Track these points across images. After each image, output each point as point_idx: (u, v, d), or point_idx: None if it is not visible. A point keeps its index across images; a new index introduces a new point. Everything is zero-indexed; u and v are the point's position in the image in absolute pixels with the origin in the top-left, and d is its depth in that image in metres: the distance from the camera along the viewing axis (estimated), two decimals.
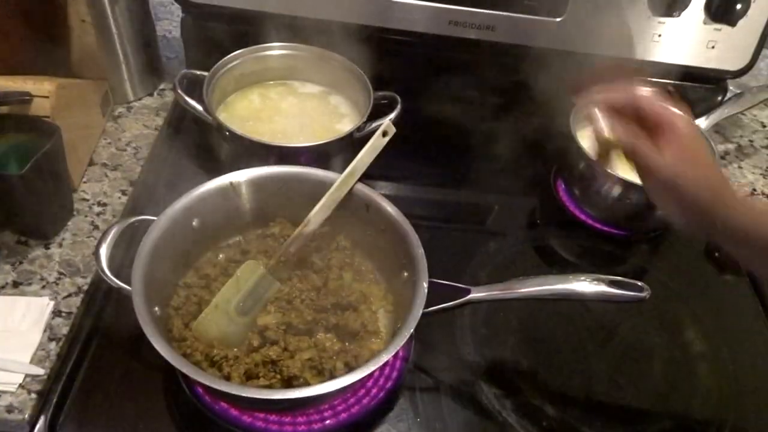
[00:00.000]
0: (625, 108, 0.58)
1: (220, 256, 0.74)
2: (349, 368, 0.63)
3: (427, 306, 0.62)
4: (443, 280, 0.67)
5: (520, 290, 0.67)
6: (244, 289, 0.67)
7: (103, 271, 0.63)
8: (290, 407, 0.63)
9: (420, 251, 0.66)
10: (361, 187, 0.72)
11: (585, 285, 0.67)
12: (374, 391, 0.68)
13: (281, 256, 0.70)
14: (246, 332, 0.65)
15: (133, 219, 0.68)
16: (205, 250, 0.74)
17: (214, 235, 0.74)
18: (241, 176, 0.73)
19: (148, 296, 0.61)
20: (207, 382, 0.56)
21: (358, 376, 0.57)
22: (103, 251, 0.64)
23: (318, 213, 0.70)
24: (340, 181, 0.70)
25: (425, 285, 0.63)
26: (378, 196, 0.72)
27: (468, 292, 0.67)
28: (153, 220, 0.67)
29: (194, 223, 0.71)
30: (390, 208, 0.71)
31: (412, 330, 0.59)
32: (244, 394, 0.56)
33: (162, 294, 0.66)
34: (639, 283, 0.67)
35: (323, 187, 0.71)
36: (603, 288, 0.67)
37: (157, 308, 0.63)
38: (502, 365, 0.73)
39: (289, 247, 0.70)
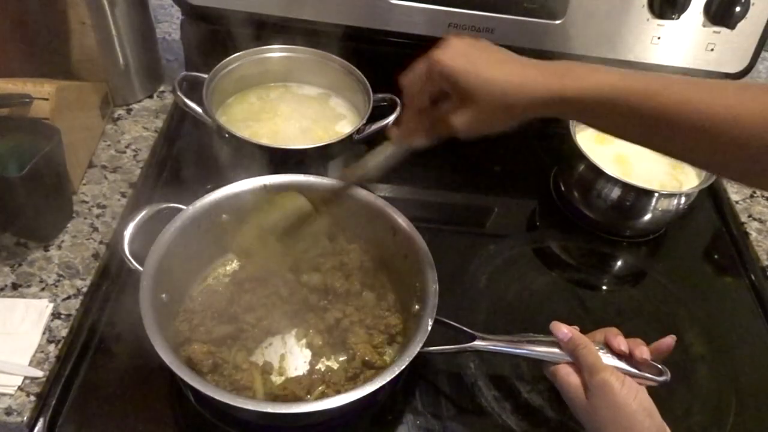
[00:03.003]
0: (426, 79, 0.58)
1: (232, 264, 0.75)
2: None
3: (428, 344, 0.61)
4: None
5: (526, 348, 0.64)
6: (286, 215, 0.66)
7: (123, 251, 0.64)
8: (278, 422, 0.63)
9: (434, 287, 0.65)
10: (392, 212, 0.72)
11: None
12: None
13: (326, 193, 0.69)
14: (283, 258, 0.65)
15: (163, 205, 0.69)
16: (224, 252, 0.75)
17: (234, 238, 0.74)
18: (276, 180, 0.73)
19: (158, 280, 0.62)
20: (196, 385, 0.56)
21: (337, 403, 0.56)
22: (128, 232, 0.66)
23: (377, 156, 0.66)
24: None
25: (430, 322, 0.62)
26: (406, 222, 0.71)
27: (473, 338, 0.65)
28: (182, 208, 0.68)
29: (224, 217, 0.71)
30: (417, 237, 0.70)
31: (404, 366, 0.59)
32: (232, 403, 0.56)
33: (172, 283, 0.67)
34: (659, 366, 0.62)
35: (367, 207, 0.72)
36: (617, 363, 0.61)
37: (164, 295, 0.64)
38: (501, 367, 0.73)
39: (335, 186, 0.69)
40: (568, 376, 0.61)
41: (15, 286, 0.72)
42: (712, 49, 0.95)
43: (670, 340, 0.62)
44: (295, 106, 0.93)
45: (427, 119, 0.61)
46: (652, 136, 0.55)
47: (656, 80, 0.54)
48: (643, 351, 0.61)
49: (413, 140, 0.63)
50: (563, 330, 0.62)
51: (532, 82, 0.55)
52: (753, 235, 0.93)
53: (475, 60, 0.56)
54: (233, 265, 0.75)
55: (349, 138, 0.83)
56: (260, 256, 0.66)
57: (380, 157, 0.65)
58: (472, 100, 0.56)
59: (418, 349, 0.60)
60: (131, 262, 0.64)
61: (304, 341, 0.70)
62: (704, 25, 0.92)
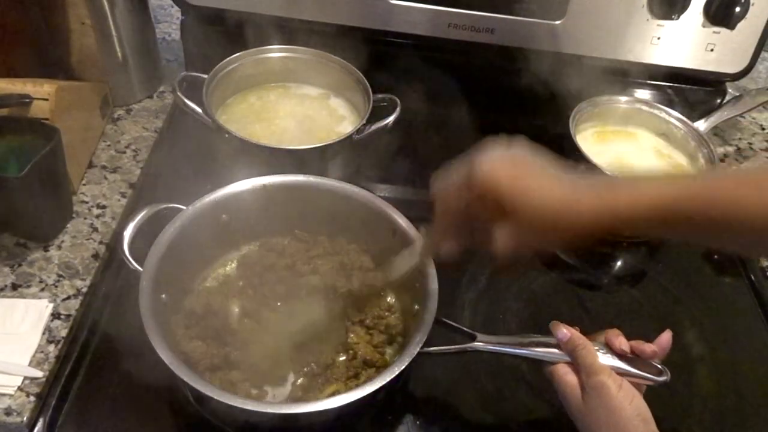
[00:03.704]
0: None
1: (231, 265, 0.75)
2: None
3: (428, 344, 0.61)
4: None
5: (526, 348, 0.64)
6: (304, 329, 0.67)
7: (123, 251, 0.64)
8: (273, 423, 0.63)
9: (434, 287, 0.65)
10: (392, 212, 0.72)
11: (600, 358, 0.61)
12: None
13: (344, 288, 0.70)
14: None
15: (163, 205, 0.69)
16: (223, 253, 0.75)
17: (234, 238, 0.75)
18: (276, 180, 0.73)
19: (158, 280, 0.62)
20: (193, 384, 0.56)
21: (337, 403, 0.56)
22: (128, 232, 0.66)
23: (405, 260, 0.68)
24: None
25: (430, 323, 0.62)
26: (406, 223, 0.71)
27: (473, 338, 0.65)
28: (182, 208, 0.68)
29: (224, 217, 0.72)
30: (417, 237, 0.69)
31: (404, 366, 0.58)
32: (231, 403, 0.55)
33: (172, 284, 0.67)
34: (659, 366, 0.61)
35: (367, 207, 0.72)
36: (617, 363, 0.60)
37: (164, 295, 0.64)
38: (501, 367, 0.73)
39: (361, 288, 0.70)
40: (566, 375, 0.60)
41: (15, 287, 0.72)
42: (711, 50, 0.95)
43: (667, 335, 0.62)
44: (294, 107, 0.93)
45: (461, 231, 0.57)
46: (707, 239, 0.55)
47: (704, 185, 0.52)
48: (648, 346, 0.60)
49: (444, 251, 0.59)
50: (562, 330, 0.62)
51: (587, 201, 0.52)
52: None
53: (521, 171, 0.52)
54: (233, 266, 0.75)
55: (349, 138, 0.83)
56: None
57: (406, 267, 0.66)
58: (516, 216, 0.52)
59: (418, 349, 0.60)
60: (131, 263, 0.64)
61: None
62: (704, 26, 0.92)
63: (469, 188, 0.54)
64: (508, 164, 0.53)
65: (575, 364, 0.61)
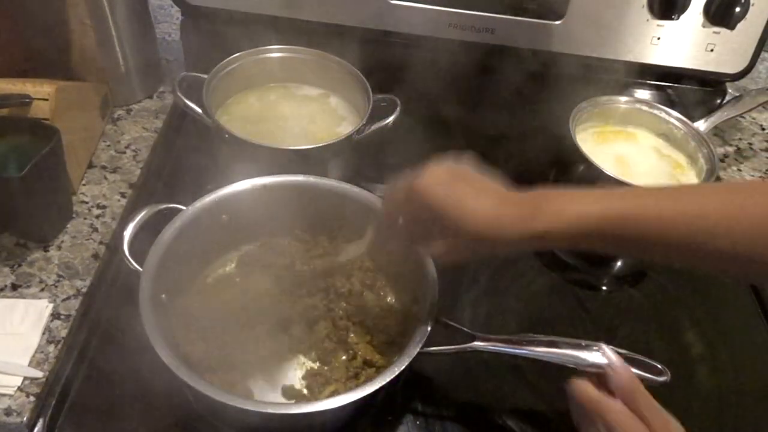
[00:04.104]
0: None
1: (231, 265, 0.75)
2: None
3: (428, 344, 0.61)
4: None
5: (526, 348, 0.63)
6: None
7: (123, 251, 0.65)
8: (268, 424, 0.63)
9: (434, 287, 0.65)
10: None
11: (598, 356, 0.61)
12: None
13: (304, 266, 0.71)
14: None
15: (163, 205, 0.69)
16: (223, 253, 0.75)
17: (234, 238, 0.75)
18: (276, 181, 0.73)
19: (158, 281, 0.62)
20: (193, 384, 0.56)
21: (337, 403, 0.56)
22: (128, 232, 0.66)
23: (354, 248, 0.70)
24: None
25: (430, 323, 0.62)
26: None
27: (473, 338, 0.65)
28: (182, 208, 0.69)
29: (224, 218, 0.72)
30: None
31: (404, 366, 0.59)
32: (231, 403, 0.55)
33: (172, 284, 0.67)
34: (659, 366, 0.61)
35: (367, 207, 0.72)
36: None
37: (164, 295, 0.64)
38: (501, 367, 0.73)
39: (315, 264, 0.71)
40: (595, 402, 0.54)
41: (15, 287, 0.72)
42: (711, 50, 0.95)
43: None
44: (294, 107, 0.93)
45: (403, 235, 0.61)
46: (644, 255, 0.56)
47: (635, 200, 0.54)
48: None
49: (388, 247, 0.67)
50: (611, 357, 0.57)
51: (508, 218, 0.54)
52: None
53: (454, 191, 0.55)
54: (233, 266, 0.75)
55: (348, 138, 0.83)
56: None
57: (352, 255, 0.71)
58: (449, 231, 0.56)
59: (418, 349, 0.60)
60: (131, 263, 0.64)
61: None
62: (704, 26, 0.92)
63: (409, 203, 0.57)
64: (443, 181, 0.55)
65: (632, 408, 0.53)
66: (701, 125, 0.94)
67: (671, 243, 0.52)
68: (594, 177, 0.85)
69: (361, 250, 0.70)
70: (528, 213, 0.54)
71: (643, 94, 1.03)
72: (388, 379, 0.57)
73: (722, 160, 1.03)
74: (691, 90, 1.02)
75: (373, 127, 0.85)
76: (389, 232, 0.63)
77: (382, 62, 0.92)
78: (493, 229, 0.54)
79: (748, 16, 0.89)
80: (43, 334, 0.68)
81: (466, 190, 0.55)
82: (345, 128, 0.90)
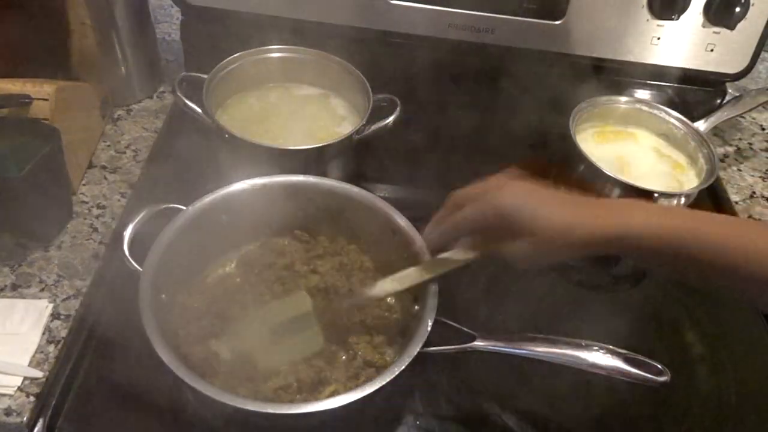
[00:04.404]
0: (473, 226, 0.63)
1: (231, 265, 0.74)
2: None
3: (428, 344, 0.61)
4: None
5: (526, 348, 0.64)
6: (285, 318, 0.67)
7: (123, 251, 0.64)
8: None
9: (434, 287, 0.65)
10: (392, 212, 0.72)
11: (598, 356, 0.62)
12: None
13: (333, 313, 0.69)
14: (273, 359, 0.65)
15: (163, 205, 0.69)
16: (223, 253, 0.74)
17: (234, 238, 0.75)
18: (276, 181, 0.73)
19: (157, 281, 0.62)
20: (194, 384, 0.56)
21: (337, 404, 0.56)
22: (128, 232, 0.66)
23: (387, 285, 0.68)
24: (422, 266, 0.67)
25: (430, 323, 0.62)
26: (406, 223, 0.71)
27: (473, 338, 0.65)
28: (182, 208, 0.69)
29: (224, 218, 0.72)
30: (417, 237, 0.69)
31: (404, 366, 0.59)
32: (231, 403, 0.55)
33: (172, 284, 0.67)
34: (659, 366, 0.61)
35: (367, 207, 0.72)
36: (617, 363, 0.61)
37: (164, 295, 0.64)
38: (501, 367, 0.73)
39: (343, 304, 0.69)
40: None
41: (15, 287, 0.72)
42: (711, 50, 0.95)
43: None
44: (294, 107, 0.93)
45: (458, 237, 0.65)
46: (696, 278, 0.59)
47: (696, 217, 0.58)
48: None
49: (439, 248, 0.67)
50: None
51: (583, 220, 0.58)
52: None
53: (534, 197, 0.59)
54: (233, 265, 0.75)
55: (349, 138, 0.83)
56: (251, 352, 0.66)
57: (395, 288, 0.67)
58: (530, 233, 0.58)
59: (418, 349, 0.60)
60: (131, 263, 0.64)
61: None
62: (704, 26, 0.92)
63: (484, 219, 0.61)
64: (521, 191, 0.60)
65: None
66: (701, 125, 0.94)
67: (716, 266, 0.55)
68: (594, 177, 0.85)
69: (398, 287, 0.67)
70: (604, 216, 0.58)
71: (643, 94, 1.03)
72: (388, 379, 0.57)
73: (722, 160, 1.04)
74: (691, 90, 1.02)
75: (373, 127, 0.85)
76: (445, 235, 0.65)
77: (382, 62, 0.92)
78: (575, 229, 0.58)
79: (748, 16, 0.89)
80: (43, 334, 0.68)
81: (546, 195, 0.60)
82: (345, 128, 0.90)
